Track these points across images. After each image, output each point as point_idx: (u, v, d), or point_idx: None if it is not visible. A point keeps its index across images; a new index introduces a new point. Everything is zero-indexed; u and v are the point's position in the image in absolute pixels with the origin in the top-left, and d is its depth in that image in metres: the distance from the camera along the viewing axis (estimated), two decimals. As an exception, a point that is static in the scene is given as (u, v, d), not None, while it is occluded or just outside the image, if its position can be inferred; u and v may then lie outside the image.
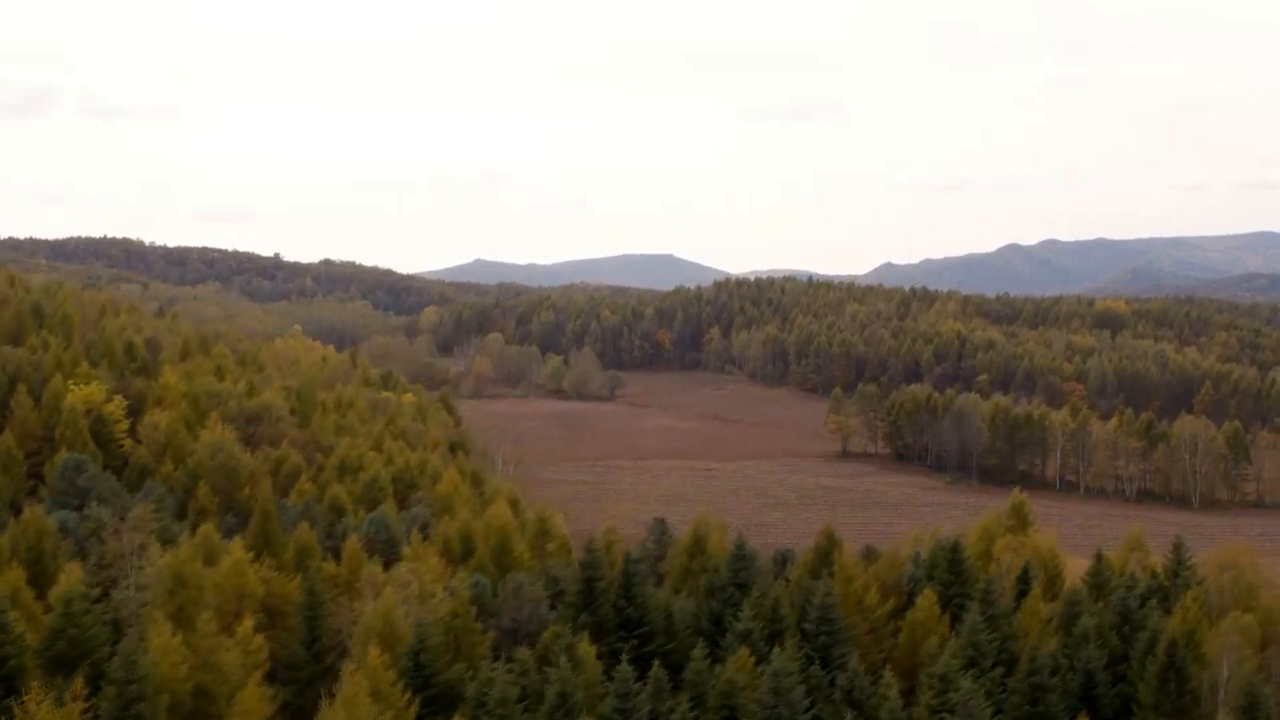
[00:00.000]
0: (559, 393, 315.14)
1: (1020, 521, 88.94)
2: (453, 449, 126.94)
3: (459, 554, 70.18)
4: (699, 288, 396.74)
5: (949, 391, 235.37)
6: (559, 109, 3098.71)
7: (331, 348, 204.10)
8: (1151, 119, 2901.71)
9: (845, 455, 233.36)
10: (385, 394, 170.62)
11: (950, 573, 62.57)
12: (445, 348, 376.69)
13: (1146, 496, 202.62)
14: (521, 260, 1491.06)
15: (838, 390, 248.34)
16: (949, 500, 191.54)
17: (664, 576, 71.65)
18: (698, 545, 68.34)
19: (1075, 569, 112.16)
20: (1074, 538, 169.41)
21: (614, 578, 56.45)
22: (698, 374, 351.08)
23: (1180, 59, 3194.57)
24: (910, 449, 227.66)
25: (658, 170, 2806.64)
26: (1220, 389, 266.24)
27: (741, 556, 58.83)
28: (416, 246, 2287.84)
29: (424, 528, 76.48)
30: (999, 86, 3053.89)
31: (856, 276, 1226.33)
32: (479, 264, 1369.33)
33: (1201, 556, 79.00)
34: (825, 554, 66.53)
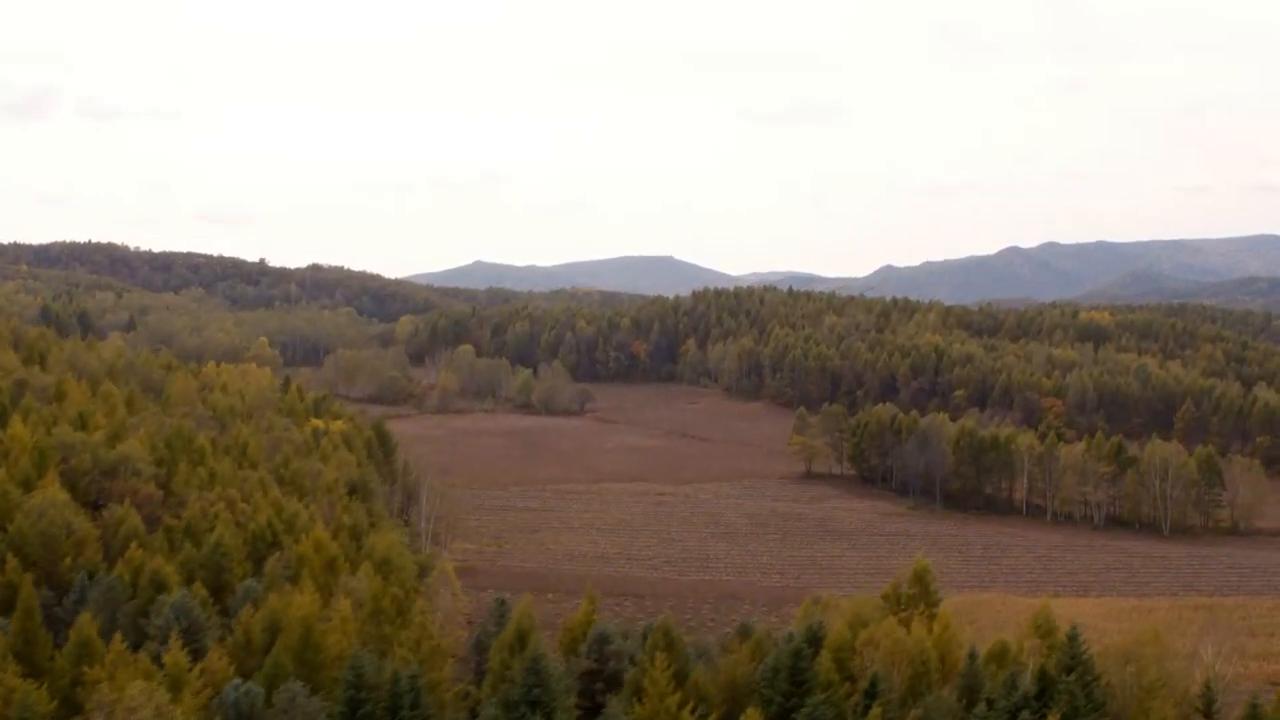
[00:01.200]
0: (527, 407, 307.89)
1: (923, 590, 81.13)
2: (353, 491, 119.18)
3: (261, 647, 62.69)
4: (677, 297, 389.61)
5: (914, 413, 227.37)
6: (559, 109, 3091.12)
7: (268, 370, 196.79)
8: (1152, 120, 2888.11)
9: (809, 477, 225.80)
10: (315, 422, 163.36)
11: (791, 681, 55.08)
12: (419, 358, 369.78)
13: (1115, 523, 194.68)
14: (521, 262, 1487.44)
15: (802, 410, 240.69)
16: (907, 529, 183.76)
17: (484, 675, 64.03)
18: (520, 640, 60.48)
19: (1013, 619, 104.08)
20: (1031, 571, 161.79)
21: (383, 697, 49.04)
22: (672, 387, 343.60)
23: (1181, 59, 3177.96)
24: (875, 471, 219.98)
25: (658, 171, 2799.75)
26: (1202, 406, 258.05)
27: (536, 670, 51.21)
28: (415, 248, 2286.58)
29: (230, 611, 68.97)
30: (999, 87, 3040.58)
31: (857, 279, 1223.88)
32: (478, 266, 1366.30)
33: (1104, 646, 71.42)
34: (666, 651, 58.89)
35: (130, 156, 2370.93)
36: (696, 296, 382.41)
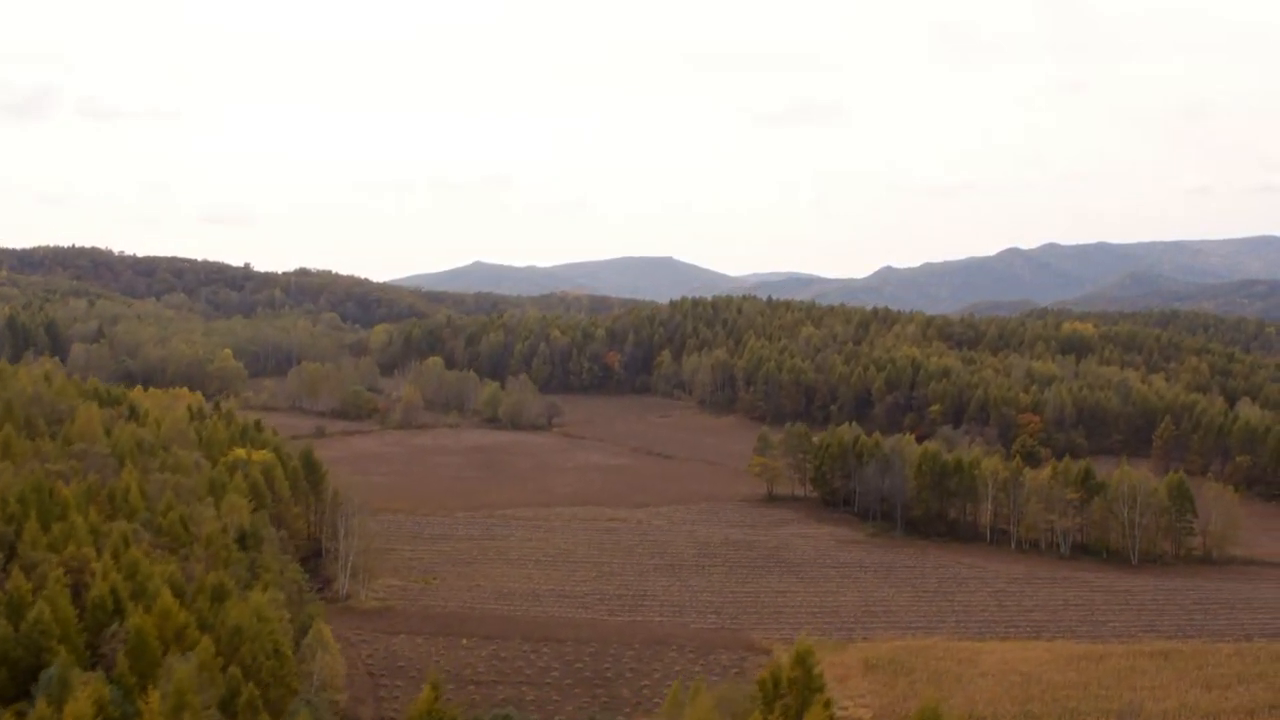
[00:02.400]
0: (494, 421, 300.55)
1: (804, 673, 73.80)
2: (242, 540, 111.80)
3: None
4: (654, 306, 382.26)
5: (876, 434, 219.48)
6: (559, 109, 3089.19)
7: (199, 395, 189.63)
8: (1152, 121, 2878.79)
9: (772, 499, 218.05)
10: (237, 452, 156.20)
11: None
12: (391, 369, 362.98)
13: (1083, 551, 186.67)
14: (520, 263, 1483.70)
15: (764, 429, 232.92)
16: (861, 559, 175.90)
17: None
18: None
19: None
20: (985, 609, 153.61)
21: None
22: (646, 399, 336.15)
23: (1181, 60, 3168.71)
24: (837, 495, 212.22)
25: (658, 171, 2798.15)
26: (1182, 424, 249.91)
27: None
28: (414, 249, 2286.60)
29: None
30: (999, 87, 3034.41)
31: (857, 280, 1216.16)
32: (477, 266, 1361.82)
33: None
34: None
35: (130, 157, 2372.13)
36: (673, 306, 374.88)
